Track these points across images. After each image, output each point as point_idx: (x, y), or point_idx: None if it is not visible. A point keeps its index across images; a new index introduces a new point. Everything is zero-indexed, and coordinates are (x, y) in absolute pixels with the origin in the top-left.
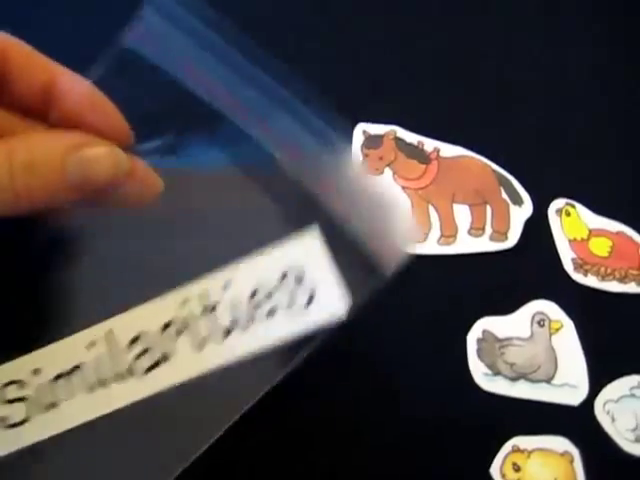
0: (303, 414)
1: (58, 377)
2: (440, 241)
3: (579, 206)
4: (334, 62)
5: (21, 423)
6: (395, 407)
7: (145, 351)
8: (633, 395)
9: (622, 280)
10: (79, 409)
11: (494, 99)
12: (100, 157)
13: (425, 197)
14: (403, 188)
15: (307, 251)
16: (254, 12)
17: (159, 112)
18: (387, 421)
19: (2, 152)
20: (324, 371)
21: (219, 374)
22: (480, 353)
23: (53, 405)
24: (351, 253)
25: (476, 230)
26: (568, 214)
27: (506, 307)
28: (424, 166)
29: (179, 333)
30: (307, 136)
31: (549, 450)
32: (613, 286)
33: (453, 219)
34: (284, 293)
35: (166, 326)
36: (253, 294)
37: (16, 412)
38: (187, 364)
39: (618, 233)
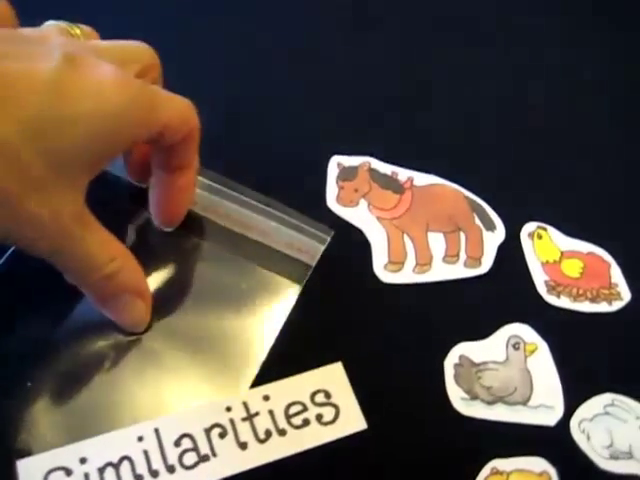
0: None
1: (105, 466)
2: (416, 269)
3: (550, 229)
4: (310, 96)
5: None
6: (373, 432)
7: (190, 449)
8: (607, 413)
9: (594, 300)
10: None
11: (463, 129)
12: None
13: (400, 226)
14: (378, 218)
15: (333, 378)
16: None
17: None
18: (366, 446)
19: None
20: None
21: None
22: (457, 378)
23: None
24: None
25: (451, 257)
26: (540, 237)
27: (482, 332)
28: (398, 196)
29: (222, 436)
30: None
31: (527, 470)
32: (585, 306)
33: (428, 247)
34: (314, 409)
35: (211, 428)
36: (288, 407)
37: None
38: (228, 463)
39: (589, 254)
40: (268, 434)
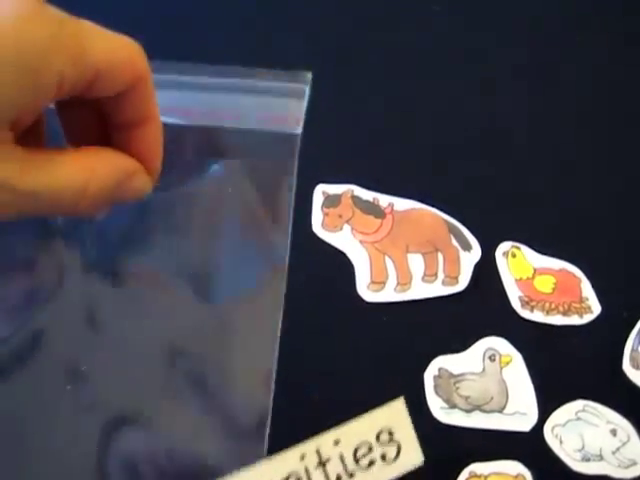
0: None
1: None
2: (397, 289)
3: (524, 247)
4: None
5: None
6: None
7: None
8: (579, 418)
9: (565, 313)
10: None
11: (441, 156)
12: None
13: (381, 249)
14: (361, 242)
15: (396, 415)
16: None
17: None
18: None
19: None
20: (287, 414)
21: None
22: (437, 389)
23: None
24: None
25: (429, 277)
26: (514, 256)
27: (459, 345)
28: (380, 220)
29: None
30: None
31: (503, 474)
32: (557, 319)
33: (408, 268)
34: (379, 449)
35: (287, 477)
36: (356, 449)
37: None
38: None
39: (561, 270)
40: (338, 478)
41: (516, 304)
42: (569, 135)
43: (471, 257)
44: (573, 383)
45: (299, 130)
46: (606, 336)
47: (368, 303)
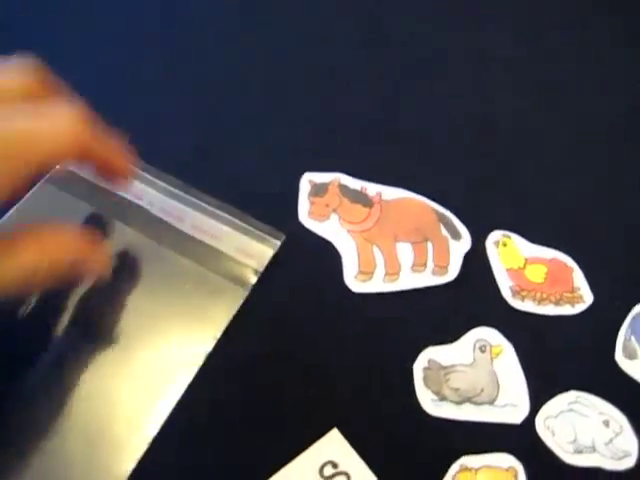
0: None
1: None
2: (385, 279)
3: (515, 236)
4: (282, 118)
5: None
6: (347, 437)
7: None
8: (571, 410)
9: (557, 303)
10: None
11: (430, 144)
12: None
13: (369, 239)
14: (348, 231)
15: (334, 445)
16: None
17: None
18: None
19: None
20: (268, 406)
21: None
22: (426, 381)
23: None
24: None
25: (418, 266)
26: (505, 245)
27: (449, 336)
28: (368, 209)
29: None
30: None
31: (495, 466)
32: (549, 309)
33: (396, 257)
34: None
35: None
36: None
37: None
38: None
39: (552, 259)
40: None
41: (507, 294)
42: (559, 122)
43: (461, 246)
44: (565, 374)
45: (261, 269)
46: (599, 326)
47: (355, 294)
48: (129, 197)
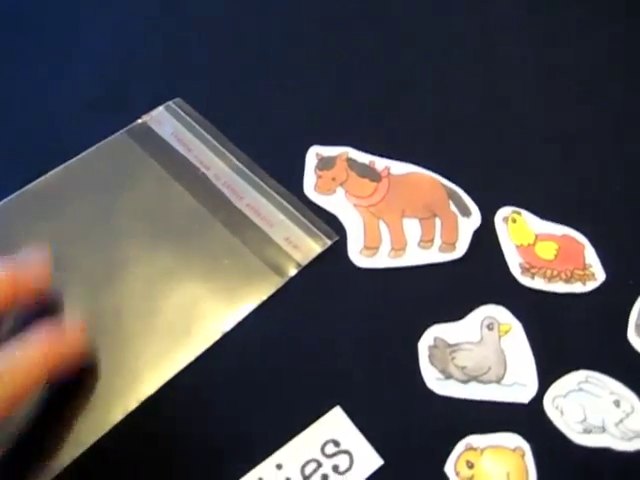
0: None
1: None
2: (390, 254)
3: (525, 212)
4: (290, 89)
5: None
6: (351, 412)
7: None
8: (581, 389)
9: (568, 281)
10: None
11: (439, 118)
12: None
13: (376, 213)
14: (355, 206)
15: (336, 424)
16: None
17: None
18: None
19: None
20: (273, 384)
21: None
22: (432, 359)
23: None
24: None
25: (426, 242)
26: (514, 221)
27: (456, 314)
28: (375, 184)
29: None
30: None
31: (501, 447)
32: (559, 287)
33: (403, 233)
34: (328, 462)
35: None
36: (303, 468)
37: None
38: None
39: (563, 236)
40: None
41: (516, 271)
42: (572, 99)
43: (470, 223)
44: (575, 353)
45: (303, 263)
46: (610, 304)
47: (360, 269)
48: (198, 164)
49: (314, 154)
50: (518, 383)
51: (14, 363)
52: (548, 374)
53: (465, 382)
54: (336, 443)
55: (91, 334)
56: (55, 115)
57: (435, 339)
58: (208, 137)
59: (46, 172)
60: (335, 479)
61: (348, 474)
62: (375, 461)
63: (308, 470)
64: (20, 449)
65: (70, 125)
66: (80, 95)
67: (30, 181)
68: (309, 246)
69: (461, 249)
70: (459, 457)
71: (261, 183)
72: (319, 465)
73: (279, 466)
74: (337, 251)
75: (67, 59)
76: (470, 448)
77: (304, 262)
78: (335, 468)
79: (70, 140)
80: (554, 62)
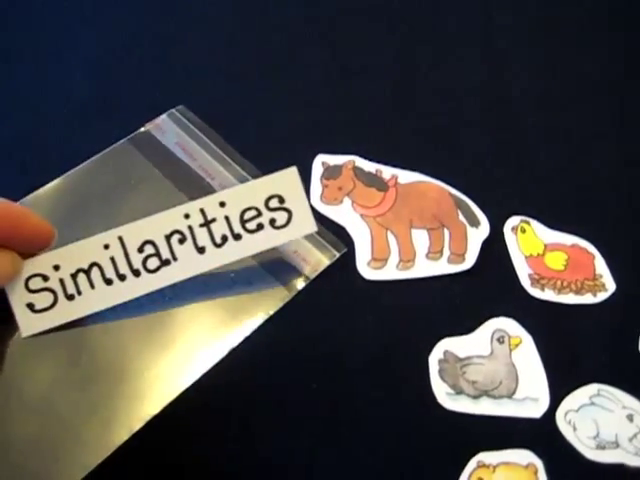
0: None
1: (77, 272)
2: (399, 266)
3: (534, 222)
4: (295, 97)
5: (47, 309)
6: (361, 428)
7: (153, 255)
8: (593, 403)
9: (578, 292)
10: (98, 298)
11: (447, 128)
12: None
13: (384, 224)
14: (362, 216)
15: (288, 183)
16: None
17: None
18: (354, 442)
19: None
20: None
21: None
22: (442, 373)
23: (76, 294)
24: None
25: (434, 254)
26: (523, 231)
27: (466, 327)
28: (382, 193)
29: (182, 241)
30: None
31: (513, 463)
32: (570, 298)
33: (411, 244)
34: (268, 214)
35: (171, 235)
36: (244, 213)
37: (43, 300)
38: (188, 266)
39: (573, 246)
40: (224, 239)
41: (526, 282)
42: (581, 107)
43: (479, 233)
44: (587, 366)
45: (312, 276)
46: (621, 315)
47: (368, 281)
48: (202, 174)
49: (320, 163)
50: (530, 397)
51: None
52: (560, 388)
53: (476, 397)
54: (281, 200)
55: (94, 350)
56: (51, 121)
57: (445, 353)
58: (213, 146)
59: (43, 180)
60: (269, 232)
61: (282, 230)
62: (310, 226)
63: (247, 215)
64: (22, 474)
65: (66, 131)
66: (76, 99)
67: (28, 192)
68: (317, 259)
69: (470, 260)
70: (471, 474)
71: None
72: (259, 214)
73: (222, 203)
74: (345, 262)
75: (63, 63)
76: (482, 465)
77: (312, 275)
78: (272, 221)
79: (67, 146)
80: (563, 66)
